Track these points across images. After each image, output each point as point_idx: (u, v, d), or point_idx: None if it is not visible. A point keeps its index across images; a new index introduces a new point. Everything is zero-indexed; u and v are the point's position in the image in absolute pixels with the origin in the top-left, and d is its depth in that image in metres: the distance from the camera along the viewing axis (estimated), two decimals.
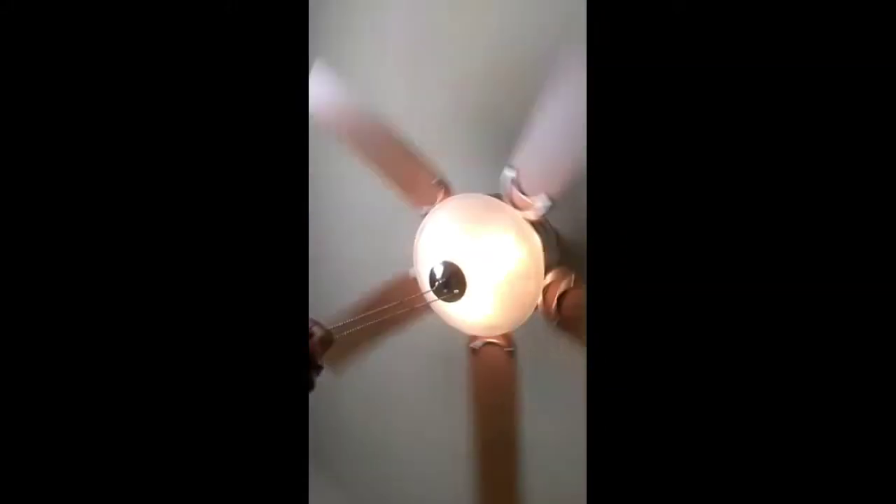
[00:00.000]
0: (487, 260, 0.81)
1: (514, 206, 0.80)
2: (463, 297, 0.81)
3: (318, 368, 0.59)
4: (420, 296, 0.84)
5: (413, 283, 0.92)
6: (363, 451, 1.68)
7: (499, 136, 1.04)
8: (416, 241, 0.90)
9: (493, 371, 0.92)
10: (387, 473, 1.68)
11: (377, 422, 1.58)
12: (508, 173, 0.80)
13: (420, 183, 0.90)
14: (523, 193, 0.78)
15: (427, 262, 0.84)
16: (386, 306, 0.80)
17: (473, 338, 0.92)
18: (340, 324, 0.69)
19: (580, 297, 0.82)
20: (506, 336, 0.90)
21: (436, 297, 0.80)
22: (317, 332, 0.61)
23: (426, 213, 0.91)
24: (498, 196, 0.83)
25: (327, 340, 0.61)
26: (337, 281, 1.50)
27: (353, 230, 1.48)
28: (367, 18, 1.28)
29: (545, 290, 0.83)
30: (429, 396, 1.38)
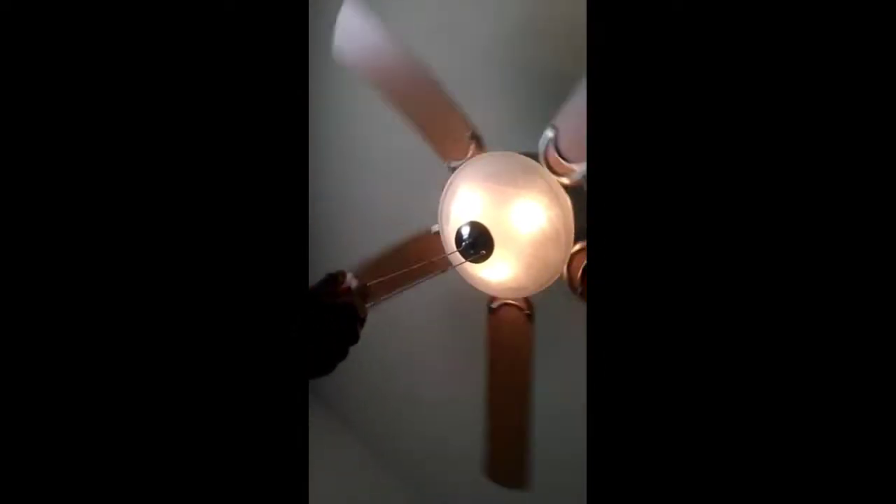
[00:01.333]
0: (516, 222, 0.79)
1: (550, 168, 0.77)
2: (490, 257, 0.80)
3: (362, 320, 0.58)
4: (445, 257, 0.83)
5: (436, 239, 0.90)
6: (383, 404, 1.74)
7: (541, 94, 0.99)
8: (442, 197, 0.87)
9: (509, 332, 0.92)
10: (404, 425, 1.75)
11: (394, 374, 1.62)
12: (549, 133, 0.76)
13: (452, 134, 0.86)
14: (562, 157, 0.75)
15: (454, 221, 0.82)
16: (412, 267, 0.79)
17: (493, 297, 0.91)
18: (376, 281, 0.67)
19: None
20: (525, 299, 0.89)
21: (462, 259, 0.79)
22: (352, 283, 0.59)
23: (456, 168, 0.88)
24: (533, 156, 0.80)
25: (364, 292, 0.59)
26: (359, 231, 1.49)
27: (375, 178, 1.45)
28: None
29: (571, 258, 0.82)
30: (445, 351, 1.41)
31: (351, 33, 0.89)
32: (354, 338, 0.57)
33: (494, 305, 0.92)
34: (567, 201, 0.78)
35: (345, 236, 1.65)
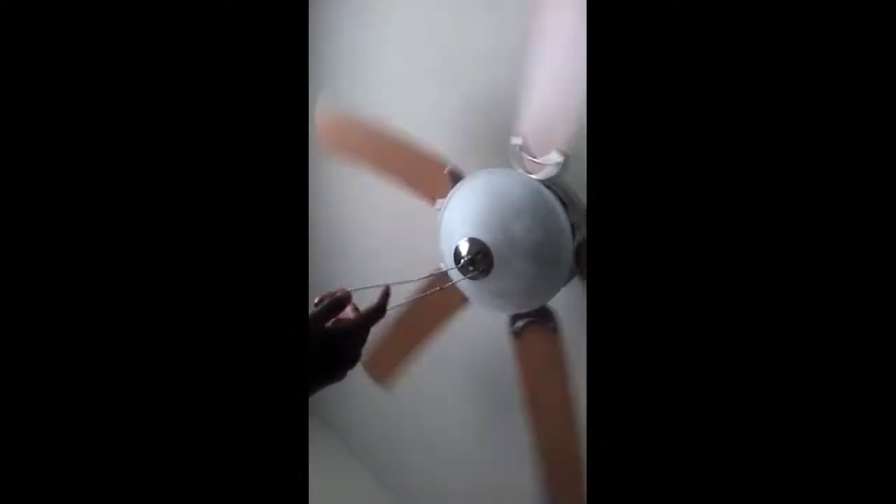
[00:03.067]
0: (510, 231, 0.79)
1: (528, 172, 0.80)
2: (491, 274, 0.79)
3: (363, 340, 0.59)
4: (444, 272, 0.82)
5: (443, 173, 0.90)
6: (418, 458, 1.65)
7: (502, 117, 1.05)
8: (439, 225, 0.89)
9: (538, 352, 0.88)
10: (404, 444, 1.70)
11: (431, 429, 1.56)
12: (515, 141, 0.80)
13: (432, 177, 0.90)
14: (533, 158, 0.78)
15: (451, 244, 0.83)
16: (419, 294, 0.78)
17: (514, 321, 0.88)
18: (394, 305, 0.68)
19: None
20: (545, 311, 0.86)
21: (462, 276, 0.78)
22: (352, 308, 0.61)
23: (443, 206, 0.91)
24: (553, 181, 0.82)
25: (376, 316, 0.61)
26: (359, 234, 1.52)
27: (368, 232, 1.48)
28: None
29: (577, 252, 0.81)
30: (478, 393, 1.34)
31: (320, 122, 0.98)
32: (353, 360, 0.58)
33: (518, 329, 0.89)
34: (553, 198, 0.79)
35: (345, 237, 1.66)
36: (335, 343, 0.57)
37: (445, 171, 0.89)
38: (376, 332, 0.94)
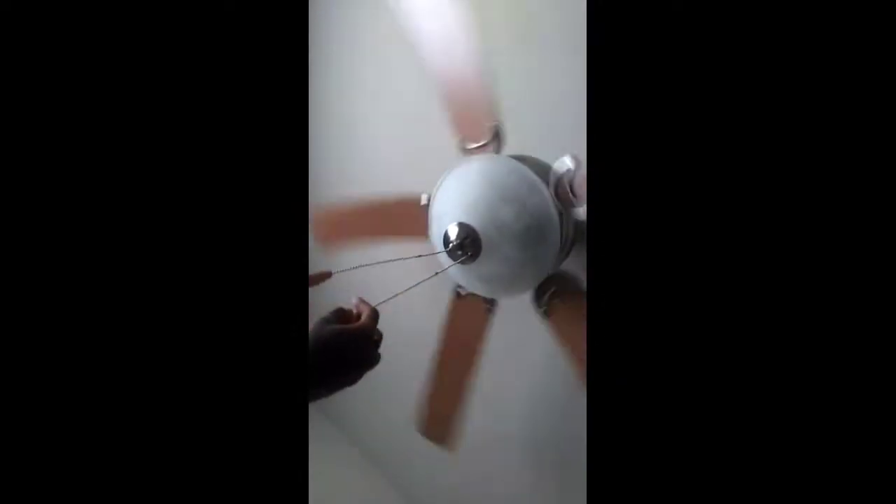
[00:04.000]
0: (498, 216, 0.77)
1: (557, 196, 0.74)
2: (479, 258, 0.79)
3: (377, 342, 0.60)
4: (433, 255, 0.82)
5: (422, 211, 0.88)
6: (384, 414, 1.73)
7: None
8: (433, 195, 0.86)
9: (468, 319, 0.96)
10: (402, 433, 1.68)
11: (394, 385, 1.57)
12: (568, 163, 0.72)
13: (476, 118, 0.81)
14: (573, 193, 0.72)
15: (441, 229, 0.80)
16: (403, 258, 0.78)
17: (537, 300, 0.92)
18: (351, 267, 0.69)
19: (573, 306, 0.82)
20: (560, 275, 0.90)
21: (453, 262, 0.79)
22: (363, 308, 0.60)
23: (468, 150, 0.84)
24: (543, 167, 0.78)
25: (376, 315, 0.61)
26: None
27: (374, 176, 1.43)
28: None
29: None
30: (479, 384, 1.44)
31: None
32: (372, 360, 0.58)
33: (461, 292, 0.94)
34: (556, 219, 0.76)
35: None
36: (346, 342, 0.56)
37: (490, 124, 0.80)
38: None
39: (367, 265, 0.69)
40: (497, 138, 0.81)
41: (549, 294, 0.88)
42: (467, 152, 0.85)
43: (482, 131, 0.81)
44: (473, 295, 0.93)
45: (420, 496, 1.82)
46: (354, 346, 0.57)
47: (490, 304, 0.94)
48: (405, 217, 0.93)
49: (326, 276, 0.63)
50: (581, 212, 0.75)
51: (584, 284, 0.88)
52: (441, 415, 1.06)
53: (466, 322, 0.97)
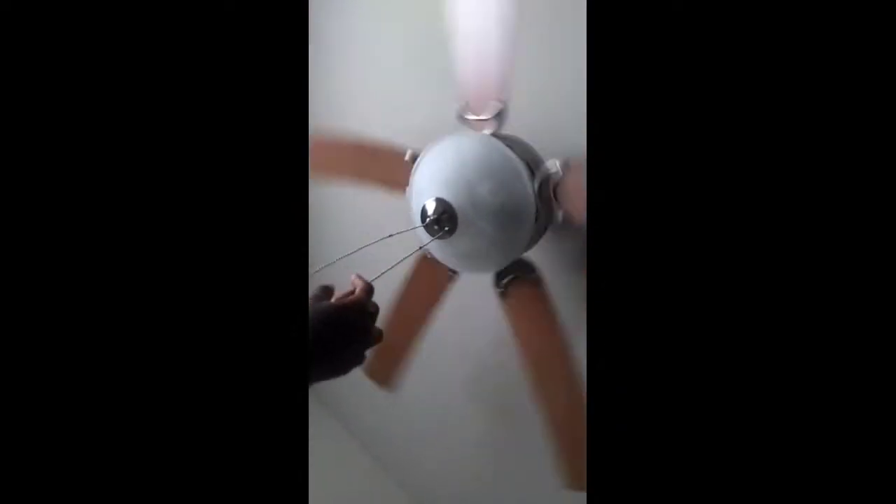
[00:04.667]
0: (475, 192, 0.78)
1: (539, 195, 0.75)
2: (457, 231, 0.80)
3: (373, 315, 0.59)
4: (410, 230, 0.82)
5: (406, 165, 0.88)
6: (384, 405, 1.66)
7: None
8: (414, 170, 0.86)
9: (526, 304, 0.94)
10: (403, 428, 1.72)
11: (432, 413, 1.59)
12: (557, 166, 0.73)
13: (483, 90, 0.79)
14: (555, 197, 0.73)
15: (420, 204, 0.81)
16: (381, 238, 0.78)
17: (498, 280, 0.93)
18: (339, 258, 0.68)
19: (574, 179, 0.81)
20: (522, 263, 0.91)
21: (428, 235, 0.79)
22: (357, 283, 0.60)
23: (465, 118, 0.83)
24: (516, 142, 0.80)
25: (371, 289, 0.60)
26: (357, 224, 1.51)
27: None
28: None
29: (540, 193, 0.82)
30: (448, 351, 1.41)
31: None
32: (370, 333, 0.58)
33: (501, 289, 0.93)
34: (506, 150, 0.78)
35: (343, 227, 1.62)
36: (340, 316, 0.55)
37: (496, 101, 0.78)
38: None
39: (344, 256, 0.69)
40: (498, 118, 0.79)
41: (510, 278, 0.90)
42: (464, 121, 0.83)
43: (487, 106, 0.79)
44: (513, 281, 0.92)
45: (420, 490, 1.82)
46: (349, 319, 0.56)
47: (532, 272, 0.93)
48: (388, 164, 0.92)
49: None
50: (560, 216, 0.75)
51: (542, 274, 0.90)
52: (387, 357, 1.10)
53: (427, 280, 0.99)
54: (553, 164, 0.73)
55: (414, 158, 0.87)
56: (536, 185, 0.75)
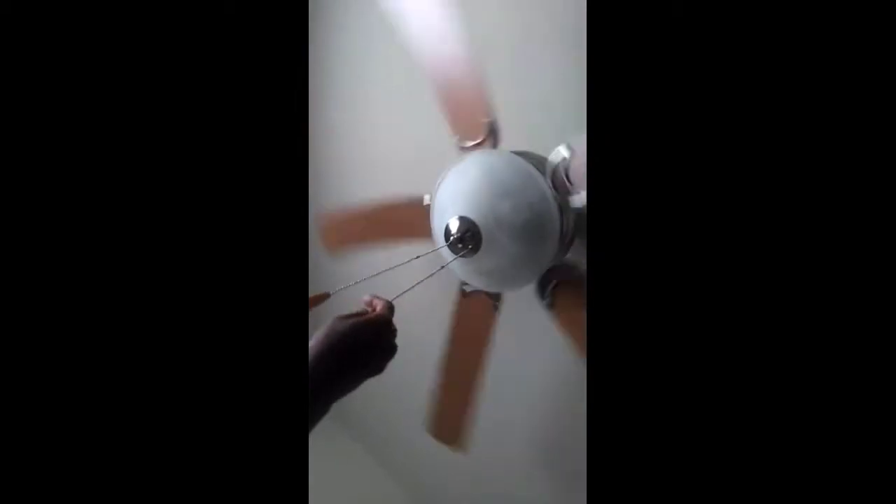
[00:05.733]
0: (498, 210, 0.78)
1: (554, 186, 0.75)
2: (481, 249, 0.80)
3: (394, 332, 0.61)
4: (433, 251, 0.83)
5: (425, 211, 0.90)
6: (386, 409, 1.73)
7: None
8: (435, 190, 0.87)
9: (475, 317, 0.96)
10: (405, 430, 1.71)
11: (399, 379, 1.52)
12: (563, 152, 0.73)
13: (471, 115, 0.83)
14: (568, 180, 0.73)
15: (443, 222, 0.82)
16: (401, 263, 0.79)
17: (542, 291, 0.92)
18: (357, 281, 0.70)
19: (576, 296, 0.82)
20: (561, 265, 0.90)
21: (452, 254, 0.80)
22: (377, 304, 0.61)
23: (464, 148, 0.85)
24: (539, 159, 0.79)
25: (392, 307, 0.62)
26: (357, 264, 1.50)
27: (375, 175, 1.45)
28: None
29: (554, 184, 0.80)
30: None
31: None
32: (392, 347, 0.59)
33: (466, 290, 0.95)
34: (556, 212, 0.77)
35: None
36: (366, 331, 0.57)
37: (486, 120, 0.82)
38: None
39: (365, 279, 0.70)
40: (493, 134, 0.83)
41: (552, 286, 0.88)
42: (465, 150, 0.86)
43: (478, 128, 0.83)
44: (479, 292, 0.94)
45: (423, 492, 1.81)
46: (375, 333, 0.58)
47: (496, 300, 0.94)
48: (410, 218, 0.95)
49: (325, 297, 0.64)
50: (579, 199, 0.76)
51: (500, 307, 0.90)
52: (451, 416, 1.06)
53: (473, 319, 0.98)
54: (558, 153, 0.74)
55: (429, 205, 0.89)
56: (549, 180, 0.76)
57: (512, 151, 0.82)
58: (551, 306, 0.89)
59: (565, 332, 0.90)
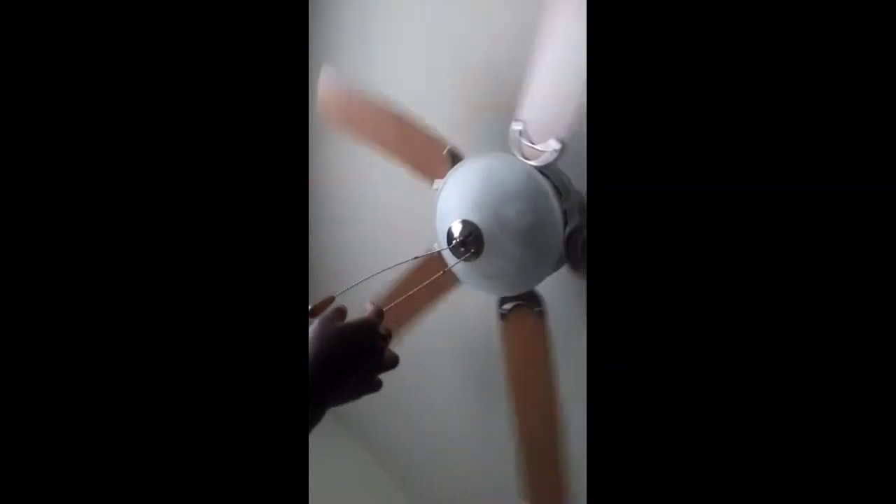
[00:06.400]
0: (502, 214, 0.80)
1: (525, 158, 0.81)
2: (481, 255, 0.81)
3: (385, 338, 0.59)
4: (436, 253, 0.84)
5: (438, 257, 0.92)
6: (418, 440, 1.67)
7: (502, 98, 1.06)
8: (435, 206, 0.90)
9: (523, 333, 0.90)
10: (407, 431, 1.68)
11: (418, 403, 1.57)
12: (515, 126, 0.81)
13: (431, 156, 0.92)
14: (532, 143, 0.79)
15: (445, 225, 0.84)
16: (416, 287, 0.80)
17: (502, 302, 0.91)
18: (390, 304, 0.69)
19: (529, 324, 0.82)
20: (532, 295, 0.88)
21: (454, 257, 0.80)
22: (367, 307, 0.61)
23: (440, 187, 0.92)
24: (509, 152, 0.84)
25: (380, 313, 0.61)
26: (359, 233, 1.53)
27: (375, 179, 1.47)
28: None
29: (568, 240, 0.82)
30: (451, 357, 1.35)
31: (321, 92, 0.99)
32: (381, 355, 0.57)
33: (505, 311, 0.91)
34: (548, 185, 0.80)
35: (345, 237, 1.67)
36: (349, 335, 0.55)
37: (445, 151, 0.90)
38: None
39: (366, 279, 0.69)
40: (456, 159, 0.90)
41: (514, 304, 0.89)
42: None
43: (441, 162, 0.91)
44: (517, 307, 0.90)
45: (425, 495, 1.73)
46: (358, 338, 0.56)
47: (538, 306, 0.90)
48: (424, 151, 0.92)
49: (328, 301, 0.63)
50: (547, 149, 0.79)
51: (546, 309, 0.89)
52: (543, 474, 0.90)
53: (524, 345, 0.91)
54: (513, 128, 0.81)
55: (452, 155, 0.89)
56: (518, 153, 0.81)
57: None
58: (503, 318, 0.90)
59: (504, 346, 0.89)
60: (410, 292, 0.71)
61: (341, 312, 0.58)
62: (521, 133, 0.80)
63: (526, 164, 0.80)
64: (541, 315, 0.89)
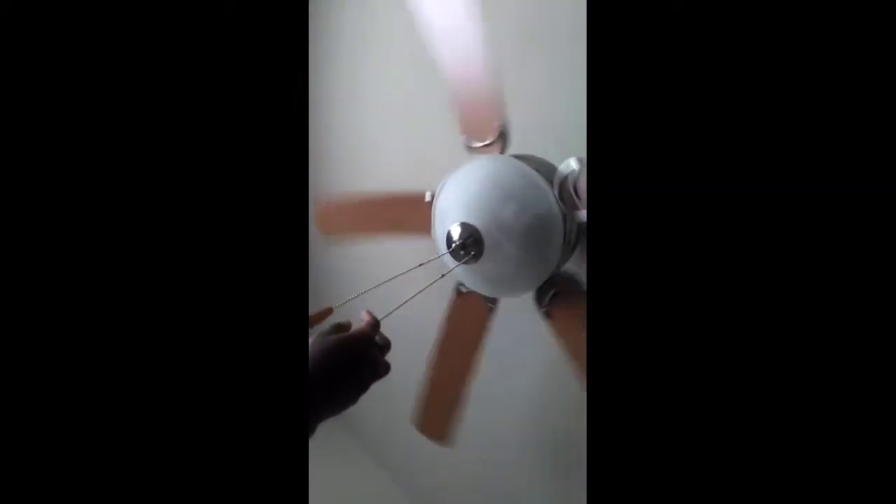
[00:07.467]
0: (500, 215, 0.77)
1: (561, 198, 0.74)
2: (483, 255, 0.79)
3: (382, 348, 0.59)
4: (435, 259, 0.82)
5: (426, 208, 0.88)
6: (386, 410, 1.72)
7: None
8: (437, 195, 0.86)
9: (469, 316, 0.96)
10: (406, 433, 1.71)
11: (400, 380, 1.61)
12: (574, 165, 0.72)
13: (483, 117, 0.81)
14: (577, 194, 0.72)
15: (444, 229, 0.80)
16: (402, 272, 0.78)
17: (540, 300, 0.92)
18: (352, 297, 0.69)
19: (574, 307, 0.82)
20: (562, 274, 0.90)
21: (454, 261, 0.79)
22: (364, 317, 0.60)
23: (472, 148, 0.84)
24: (537, 161, 0.78)
25: (376, 324, 0.61)
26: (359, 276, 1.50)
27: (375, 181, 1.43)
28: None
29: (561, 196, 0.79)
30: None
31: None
32: (375, 364, 0.58)
33: (462, 289, 0.94)
34: (560, 222, 0.76)
35: (345, 247, 1.65)
36: (344, 348, 0.56)
37: (496, 124, 0.80)
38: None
39: (368, 290, 0.69)
40: (502, 138, 0.81)
41: (551, 295, 0.88)
42: (472, 150, 0.85)
43: (488, 130, 0.81)
44: (475, 293, 0.94)
45: (422, 493, 1.82)
46: (352, 350, 0.56)
47: (492, 302, 0.94)
48: (409, 213, 0.93)
49: (327, 312, 0.63)
50: (584, 214, 0.75)
51: (585, 284, 0.88)
52: (438, 411, 1.07)
53: (467, 319, 0.98)
54: (568, 165, 0.73)
55: (433, 197, 0.87)
56: (557, 190, 0.75)
57: (515, 156, 0.80)
58: (548, 315, 0.89)
59: (561, 342, 0.90)
60: (407, 300, 0.70)
61: (341, 327, 0.59)
62: (573, 173, 0.72)
63: (517, 161, 0.78)
64: (490, 310, 0.94)
